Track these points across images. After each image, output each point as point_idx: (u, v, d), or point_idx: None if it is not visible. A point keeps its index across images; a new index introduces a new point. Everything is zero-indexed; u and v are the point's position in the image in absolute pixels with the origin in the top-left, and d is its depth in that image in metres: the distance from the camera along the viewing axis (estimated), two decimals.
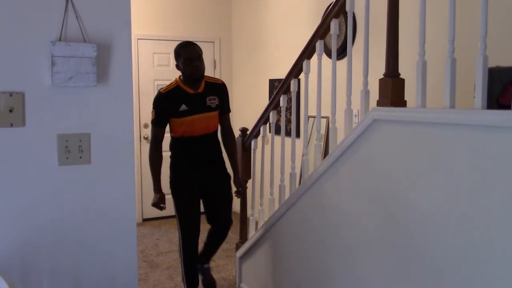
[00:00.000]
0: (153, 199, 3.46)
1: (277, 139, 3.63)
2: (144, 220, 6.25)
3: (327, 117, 4.52)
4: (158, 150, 3.43)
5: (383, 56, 2.48)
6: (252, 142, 3.85)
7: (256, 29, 6.12)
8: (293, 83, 3.26)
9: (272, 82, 5.69)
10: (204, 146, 3.45)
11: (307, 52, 3.12)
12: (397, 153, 2.32)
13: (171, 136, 3.49)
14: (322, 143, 4.23)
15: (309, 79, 3.15)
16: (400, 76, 2.46)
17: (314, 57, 3.09)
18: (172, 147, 3.51)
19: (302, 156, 3.18)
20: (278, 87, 3.42)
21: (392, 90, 2.40)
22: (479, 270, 1.94)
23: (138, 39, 6.06)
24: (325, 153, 3.99)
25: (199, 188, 3.52)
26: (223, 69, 6.66)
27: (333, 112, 2.91)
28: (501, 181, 1.84)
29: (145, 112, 6.17)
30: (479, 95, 1.97)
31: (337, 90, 2.89)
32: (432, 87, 2.43)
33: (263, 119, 3.66)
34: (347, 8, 2.78)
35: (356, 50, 3.14)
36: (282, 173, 3.43)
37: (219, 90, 3.47)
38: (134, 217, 2.22)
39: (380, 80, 2.48)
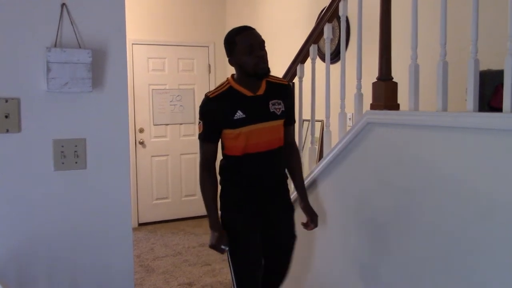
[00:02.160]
0: (211, 239, 2.43)
1: None
2: (140, 224, 6.25)
3: (321, 121, 4.54)
4: (211, 173, 2.47)
5: (376, 60, 2.51)
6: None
7: None
8: None
9: None
10: (268, 168, 2.48)
11: (301, 56, 3.15)
12: (391, 156, 2.34)
13: (223, 155, 2.51)
14: (317, 147, 4.25)
15: (303, 83, 3.17)
16: (393, 80, 2.48)
17: (308, 61, 3.11)
18: (223, 170, 2.53)
19: None
20: None
21: (385, 94, 2.43)
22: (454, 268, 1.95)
23: (132, 44, 6.07)
24: (320, 156, 4.01)
25: (259, 228, 2.50)
26: (218, 74, 6.67)
27: (327, 116, 2.93)
28: (493, 182, 1.86)
29: (141, 116, 6.18)
30: (470, 98, 2.00)
31: (331, 94, 2.92)
32: (425, 90, 2.45)
33: None
34: (340, 13, 2.80)
35: (349, 54, 3.17)
36: None
37: (285, 93, 2.52)
38: (130, 221, 2.23)
39: (374, 83, 2.51)
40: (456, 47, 2.55)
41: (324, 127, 2.97)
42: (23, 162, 1.99)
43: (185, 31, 6.41)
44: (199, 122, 2.43)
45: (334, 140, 2.85)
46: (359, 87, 2.66)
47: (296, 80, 3.23)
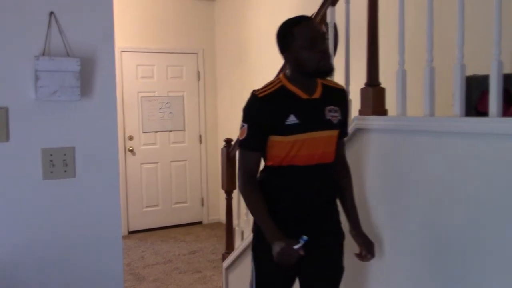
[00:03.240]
0: (276, 252, 1.92)
1: None
2: (130, 232, 6.22)
3: None
4: (256, 185, 2.08)
5: (364, 66, 2.53)
6: (237, 152, 3.86)
7: (240, 40, 6.16)
8: None
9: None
10: (319, 184, 2.12)
11: None
12: (379, 161, 2.36)
13: (265, 166, 2.15)
14: None
15: None
16: (381, 85, 2.50)
17: None
18: (266, 183, 2.12)
19: None
20: None
21: (373, 99, 2.45)
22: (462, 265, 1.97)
23: (121, 51, 6.06)
24: None
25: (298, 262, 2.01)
26: (207, 81, 6.69)
27: None
28: (480, 185, 1.88)
29: (130, 124, 6.17)
30: (457, 103, 2.02)
31: None
32: (413, 95, 2.48)
33: None
34: (328, 20, 2.83)
35: (337, 60, 3.19)
36: None
37: (341, 99, 2.17)
38: (120, 230, 2.22)
39: (362, 89, 2.53)
40: (443, 52, 2.57)
41: None
42: (12, 171, 1.98)
43: (174, 38, 6.41)
44: (242, 126, 2.06)
45: None
46: (347, 92, 2.68)
47: None
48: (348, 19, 2.65)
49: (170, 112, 6.45)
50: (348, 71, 2.68)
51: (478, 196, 1.89)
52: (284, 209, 2.08)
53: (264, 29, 5.66)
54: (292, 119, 2.00)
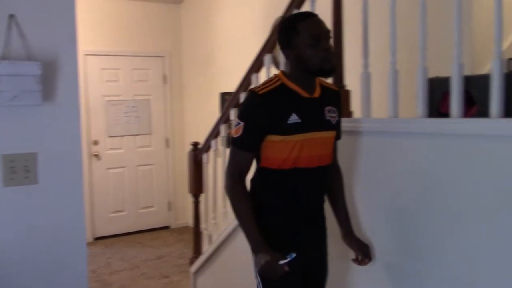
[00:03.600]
0: (259, 265, 1.87)
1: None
2: (96, 239, 6.11)
3: None
4: (243, 187, 1.97)
5: None
6: (204, 155, 3.85)
7: (206, 43, 6.14)
8: (243, 97, 3.29)
9: (223, 95, 5.72)
10: (318, 188, 2.07)
11: (256, 65, 3.16)
12: (345, 162, 2.38)
13: (260, 169, 2.02)
14: None
15: None
16: (346, 88, 2.53)
17: (264, 70, 3.13)
18: (260, 188, 2.03)
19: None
20: (228, 101, 3.45)
21: None
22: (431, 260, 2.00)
23: (85, 54, 5.96)
24: None
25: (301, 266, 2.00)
26: (174, 84, 6.64)
27: None
28: (443, 185, 1.92)
29: (95, 128, 6.07)
30: (419, 104, 2.06)
31: None
32: (378, 97, 2.51)
33: (214, 132, 3.67)
34: None
35: None
36: None
37: (337, 101, 2.12)
38: (84, 236, 2.18)
39: None
40: (407, 55, 2.62)
41: None
42: None
43: (139, 41, 6.35)
44: (238, 124, 1.94)
45: None
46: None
47: None
48: None
49: (136, 116, 6.38)
50: None
51: (441, 195, 1.93)
52: (283, 222, 1.98)
53: (230, 31, 5.66)
54: (294, 118, 1.91)
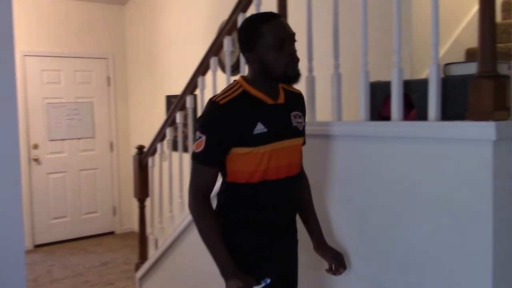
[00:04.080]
0: None
1: (176, 155, 3.61)
2: (36, 246, 5.89)
3: None
4: (207, 205, 1.83)
5: None
6: (149, 159, 3.79)
7: (152, 45, 6.06)
8: (189, 100, 3.27)
9: (169, 98, 5.65)
10: (288, 201, 1.95)
11: (202, 68, 3.15)
12: None
13: (226, 183, 1.88)
14: None
15: (206, 95, 3.17)
16: None
17: (210, 73, 3.12)
18: (227, 204, 1.91)
19: None
20: (174, 104, 3.42)
21: None
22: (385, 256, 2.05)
23: (24, 55, 5.75)
24: None
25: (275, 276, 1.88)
26: (118, 86, 6.51)
27: None
28: (383, 185, 1.97)
29: (35, 132, 5.86)
30: (361, 107, 2.11)
31: None
32: (322, 100, 2.55)
33: (160, 136, 3.62)
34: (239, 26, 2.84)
35: None
36: (181, 189, 3.42)
37: (302, 104, 2.01)
38: (23, 243, 2.09)
39: None
40: (350, 59, 2.68)
41: None
42: None
43: (82, 43, 6.19)
44: (199, 137, 1.77)
45: None
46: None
47: (197, 92, 3.23)
48: None
49: (79, 119, 6.21)
50: None
51: (389, 197, 1.98)
52: (250, 233, 1.85)
53: (176, 34, 5.61)
54: (260, 128, 1.76)
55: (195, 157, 1.79)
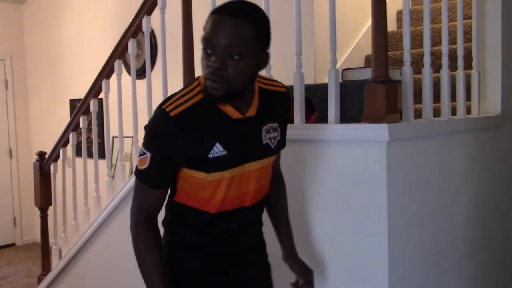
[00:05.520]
0: None
1: (80, 161, 3.48)
2: None
3: (132, 137, 4.47)
4: (154, 231, 1.51)
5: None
6: (52, 166, 3.62)
7: (53, 46, 5.80)
8: (92, 103, 3.17)
9: (73, 102, 5.44)
10: (250, 224, 1.63)
11: (106, 71, 3.07)
12: None
13: (174, 203, 1.57)
14: (128, 163, 4.17)
15: (112, 98, 3.09)
16: None
17: (115, 77, 3.04)
18: (173, 226, 1.60)
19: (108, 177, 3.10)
20: (77, 108, 3.30)
21: None
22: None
23: None
24: (131, 173, 3.94)
25: None
26: (17, 89, 6.15)
27: (135, 132, 2.90)
28: (302, 188, 2.03)
29: None
30: (297, 111, 2.13)
31: (140, 109, 2.88)
32: None
33: (62, 141, 3.47)
34: (144, 29, 2.80)
35: (156, 69, 3.19)
36: (86, 196, 3.30)
37: (282, 106, 1.59)
38: None
39: None
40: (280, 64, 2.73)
41: (133, 143, 2.93)
42: None
43: None
44: (144, 154, 1.43)
45: None
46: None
47: (102, 96, 3.14)
48: (164, 28, 2.67)
49: None
50: (165, 79, 2.68)
51: (304, 197, 2.03)
52: (207, 257, 1.55)
53: (78, 36, 5.41)
54: (217, 150, 1.40)
55: (138, 175, 1.47)
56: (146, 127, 1.44)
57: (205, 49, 1.33)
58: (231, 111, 1.41)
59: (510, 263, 2.64)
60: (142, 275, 1.48)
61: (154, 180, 1.46)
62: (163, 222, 1.59)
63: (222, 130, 1.41)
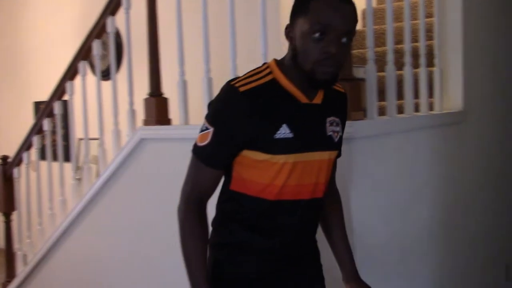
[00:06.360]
0: None
1: (44, 164, 3.41)
2: None
3: (98, 139, 4.40)
4: (202, 217, 1.43)
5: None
6: (15, 170, 3.54)
7: (16, 48, 5.67)
8: (57, 106, 3.12)
9: (37, 104, 5.32)
10: (307, 227, 1.53)
11: (70, 73, 3.02)
12: (165, 170, 2.39)
13: (230, 192, 1.46)
14: (96, 165, 4.11)
15: (77, 100, 3.03)
16: (164, 95, 2.54)
17: (79, 78, 2.99)
18: (228, 220, 1.49)
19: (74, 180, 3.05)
20: (41, 110, 3.23)
21: (156, 109, 2.47)
22: None
23: None
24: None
25: None
26: None
27: (101, 134, 2.86)
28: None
29: None
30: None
31: (106, 111, 2.84)
32: (197, 104, 2.56)
33: (26, 144, 3.40)
34: (108, 29, 2.77)
35: (122, 70, 3.16)
36: (51, 200, 3.24)
37: (343, 108, 1.55)
38: None
39: (145, 99, 2.53)
40: (221, 64, 2.73)
41: (99, 145, 2.89)
42: None
43: None
44: (206, 128, 1.37)
45: (111, 158, 2.78)
46: (131, 103, 2.66)
47: (67, 98, 3.09)
48: (129, 29, 2.64)
49: None
50: (131, 80, 2.66)
51: None
52: (259, 260, 1.45)
53: (42, 34, 5.31)
54: (284, 131, 1.35)
55: (197, 151, 1.40)
56: (211, 102, 1.41)
57: (321, 36, 1.28)
58: (299, 95, 1.38)
59: (473, 256, 2.70)
60: (188, 263, 1.39)
61: (212, 157, 1.38)
62: (213, 222, 1.50)
63: (290, 113, 1.37)
